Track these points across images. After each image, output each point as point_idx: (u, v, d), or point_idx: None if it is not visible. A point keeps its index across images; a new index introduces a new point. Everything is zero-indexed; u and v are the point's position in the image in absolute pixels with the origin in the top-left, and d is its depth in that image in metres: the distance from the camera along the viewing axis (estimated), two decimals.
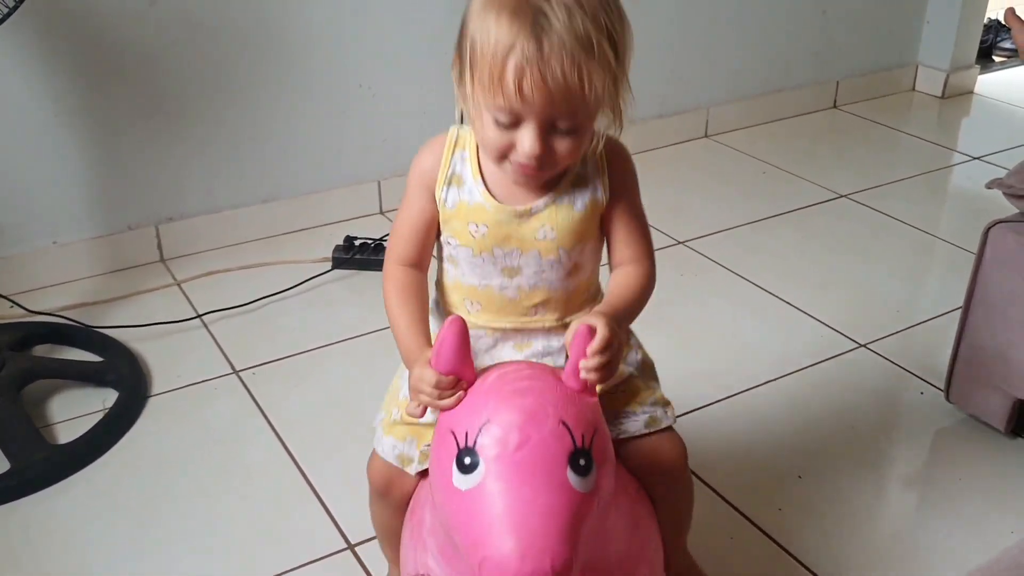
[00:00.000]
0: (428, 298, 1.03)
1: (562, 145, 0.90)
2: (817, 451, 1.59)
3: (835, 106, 3.11)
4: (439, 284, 1.07)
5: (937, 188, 2.63)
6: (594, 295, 1.05)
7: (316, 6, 2.15)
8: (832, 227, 2.35)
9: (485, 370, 0.90)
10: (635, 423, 1.05)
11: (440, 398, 0.88)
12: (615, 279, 1.02)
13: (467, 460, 0.82)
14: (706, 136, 2.86)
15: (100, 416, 1.63)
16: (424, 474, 1.05)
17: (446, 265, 1.04)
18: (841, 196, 2.50)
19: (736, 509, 1.46)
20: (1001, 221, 1.53)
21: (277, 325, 1.92)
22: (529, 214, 0.96)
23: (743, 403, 1.70)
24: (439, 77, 2.33)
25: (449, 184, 0.98)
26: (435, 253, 1.06)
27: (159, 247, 2.14)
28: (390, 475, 1.07)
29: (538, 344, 1.02)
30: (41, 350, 1.81)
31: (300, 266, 2.11)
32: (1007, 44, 3.50)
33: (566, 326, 1.00)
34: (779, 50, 2.93)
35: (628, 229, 1.01)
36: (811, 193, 2.51)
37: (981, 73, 3.28)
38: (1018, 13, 1.56)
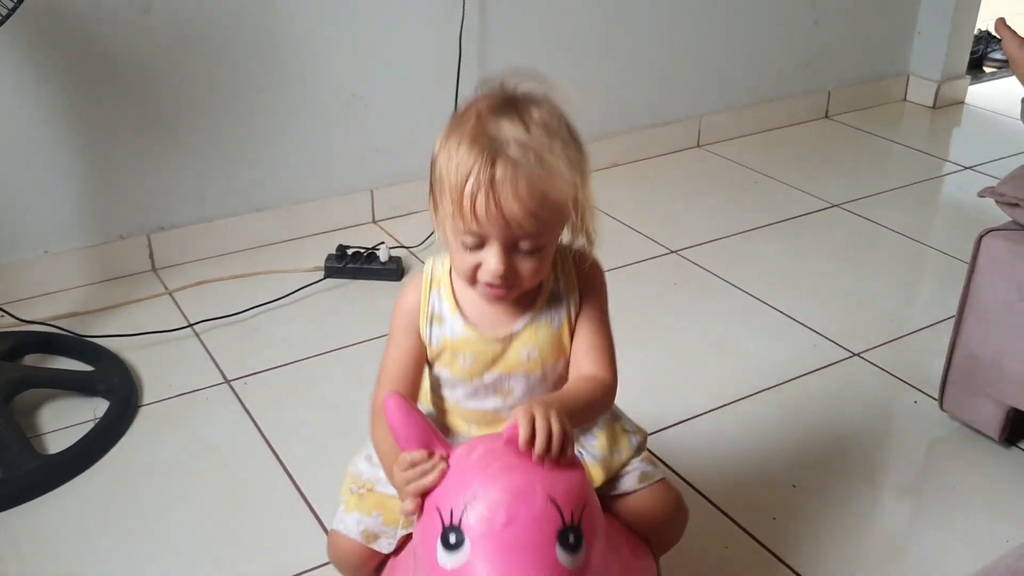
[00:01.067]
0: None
1: (526, 265, 0.93)
2: (811, 460, 1.59)
3: (827, 116, 3.12)
4: (437, 408, 1.07)
5: (929, 198, 2.64)
6: None
7: (309, 16, 2.15)
8: (825, 236, 2.35)
9: (472, 442, 0.88)
10: (629, 480, 1.06)
11: (423, 475, 0.84)
12: (572, 384, 1.00)
13: (452, 538, 0.80)
14: (698, 145, 2.86)
15: (91, 426, 1.62)
16: (390, 558, 1.04)
17: (444, 392, 1.05)
18: (833, 205, 2.50)
19: (730, 518, 1.46)
20: (993, 229, 1.53)
21: (269, 334, 1.91)
22: (511, 338, 0.99)
23: (736, 412, 1.70)
24: (431, 87, 2.34)
25: (431, 323, 1.01)
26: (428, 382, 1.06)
27: (151, 256, 2.14)
28: (355, 555, 1.05)
29: None
30: (32, 359, 1.80)
31: (292, 275, 2.11)
32: (997, 55, 3.52)
33: None
34: (771, 60, 2.94)
35: (591, 344, 1.01)
36: (803, 202, 2.52)
37: (972, 83, 3.30)
38: (1008, 23, 1.57)
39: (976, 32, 3.31)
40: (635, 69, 2.62)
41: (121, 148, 2.05)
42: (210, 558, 1.39)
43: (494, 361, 1.00)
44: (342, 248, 2.13)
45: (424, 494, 0.84)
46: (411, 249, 2.22)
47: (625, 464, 1.07)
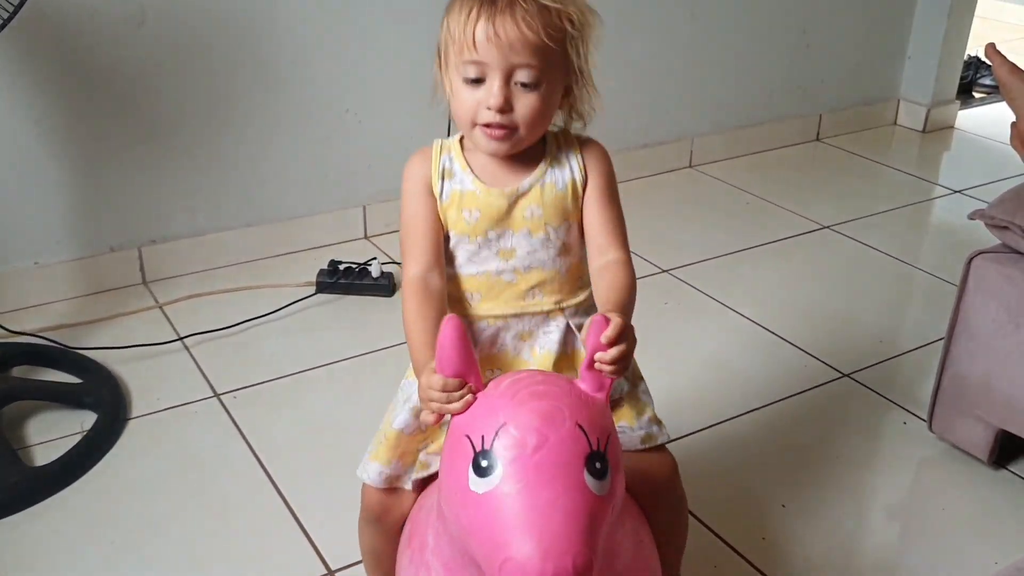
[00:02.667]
0: (445, 308, 1.03)
1: (524, 101, 0.97)
2: (801, 480, 1.59)
3: (818, 139, 3.14)
4: (447, 290, 1.07)
5: (919, 220, 2.66)
6: (586, 283, 1.07)
7: (304, 32, 2.16)
8: (815, 258, 2.36)
9: (498, 377, 0.90)
10: (631, 439, 1.07)
11: (449, 402, 0.87)
12: (603, 280, 1.03)
13: (484, 463, 0.81)
14: (690, 166, 2.88)
15: (78, 439, 1.61)
16: (418, 496, 1.06)
17: (447, 265, 1.06)
18: (824, 227, 2.52)
19: (720, 538, 1.45)
20: (983, 252, 1.54)
21: (259, 349, 1.91)
22: (516, 194, 1.02)
23: (726, 432, 1.70)
24: (425, 104, 2.34)
25: (442, 178, 1.04)
26: None
27: (141, 269, 2.13)
28: (384, 501, 1.09)
29: (539, 333, 1.05)
30: (20, 371, 1.79)
31: (283, 290, 2.10)
32: (987, 81, 3.55)
33: (563, 310, 1.05)
34: (763, 83, 2.96)
35: (605, 218, 1.04)
36: (794, 224, 2.53)
37: (962, 108, 3.33)
38: (998, 49, 1.58)
39: (966, 58, 3.34)
40: (628, 90, 2.63)
41: (113, 160, 2.05)
42: (198, 574, 1.38)
43: (499, 218, 1.02)
44: (334, 263, 2.13)
45: (439, 419, 0.88)
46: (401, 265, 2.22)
47: (628, 411, 1.08)
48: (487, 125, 0.97)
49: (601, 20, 1.01)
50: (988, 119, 3.34)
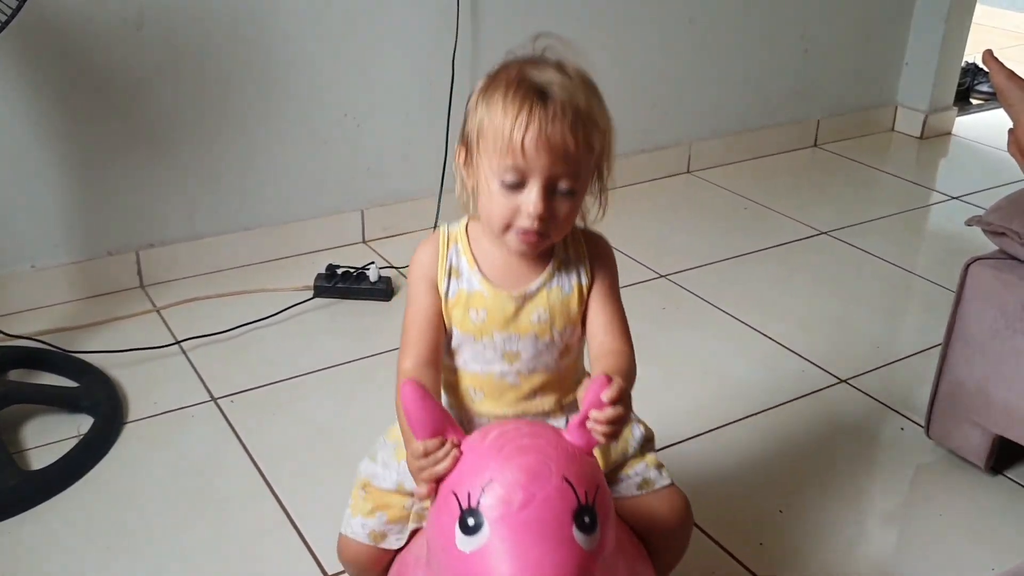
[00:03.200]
0: (439, 397, 1.03)
1: (562, 207, 0.96)
2: (798, 486, 1.59)
3: (816, 144, 3.14)
4: (445, 382, 1.07)
5: (916, 226, 2.66)
6: (580, 378, 1.07)
7: (302, 36, 2.16)
8: (813, 263, 2.36)
9: (484, 428, 0.89)
10: (627, 486, 1.07)
11: (436, 463, 0.85)
12: (603, 362, 1.01)
13: (471, 521, 0.80)
14: (688, 171, 2.88)
15: (74, 442, 1.60)
16: (399, 553, 1.06)
17: (453, 359, 1.06)
18: (822, 233, 2.52)
19: (717, 543, 1.45)
20: (980, 258, 1.54)
21: (257, 353, 1.91)
22: (524, 297, 1.02)
23: (724, 437, 1.70)
24: (424, 109, 2.35)
25: (449, 276, 1.02)
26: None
27: (139, 273, 2.13)
28: (364, 556, 1.08)
29: None
30: (16, 374, 1.79)
31: (281, 294, 2.10)
32: (984, 87, 3.56)
33: (563, 408, 1.05)
34: (761, 88, 2.96)
35: (609, 317, 1.04)
36: (792, 229, 2.53)
37: (959, 115, 3.33)
38: (996, 55, 1.58)
39: (963, 65, 3.35)
40: (626, 95, 2.63)
41: (111, 164, 2.04)
42: None
43: (506, 321, 1.01)
44: (332, 267, 2.12)
45: (438, 480, 0.85)
46: (401, 269, 2.22)
47: (627, 463, 1.08)
48: (522, 232, 0.96)
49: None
50: (986, 125, 3.35)
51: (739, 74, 2.89)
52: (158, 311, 2.04)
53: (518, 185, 0.94)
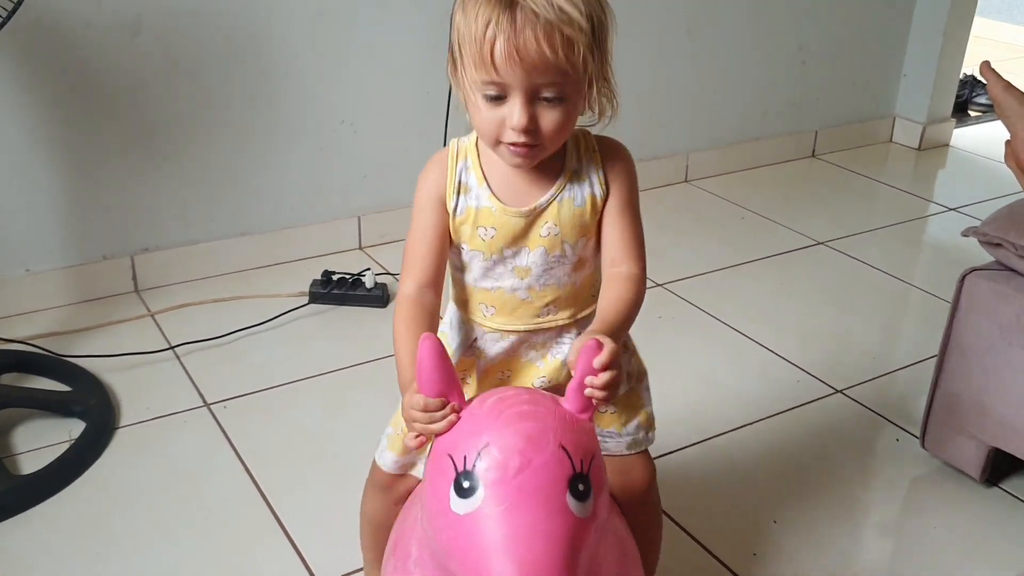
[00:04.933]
0: (436, 328, 1.02)
1: (548, 117, 0.92)
2: (793, 496, 1.58)
3: (813, 155, 3.14)
4: (456, 297, 1.07)
5: (913, 237, 2.66)
6: (598, 291, 1.06)
7: (300, 42, 2.16)
8: (809, 273, 2.36)
9: (483, 394, 0.89)
10: (617, 445, 1.08)
11: (431, 422, 0.86)
12: (608, 291, 1.00)
13: (466, 484, 0.80)
14: (686, 181, 2.88)
15: (66, 447, 1.60)
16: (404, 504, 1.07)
17: (463, 275, 1.04)
18: (819, 243, 2.52)
19: (711, 554, 1.45)
20: (976, 269, 1.54)
21: (251, 359, 1.90)
22: (533, 213, 0.99)
23: (719, 447, 1.69)
24: (421, 115, 2.35)
25: (457, 193, 1.01)
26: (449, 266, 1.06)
27: (134, 278, 2.12)
28: (389, 479, 1.10)
29: (552, 344, 1.04)
30: (8, 378, 1.78)
31: (276, 300, 2.09)
32: (982, 99, 3.56)
33: (577, 322, 1.04)
34: (759, 99, 2.96)
35: (621, 233, 1.02)
36: (789, 239, 2.53)
37: (957, 127, 3.34)
38: (993, 67, 1.58)
39: (961, 76, 3.35)
40: (624, 104, 2.61)
41: (107, 169, 2.04)
42: None
43: (515, 237, 1.00)
44: (327, 274, 2.12)
45: (428, 437, 0.87)
46: (397, 276, 2.21)
47: (623, 417, 1.09)
48: (512, 144, 0.94)
49: (614, 15, 0.95)
50: (983, 137, 3.35)
51: (737, 85, 2.89)
52: (152, 316, 2.04)
53: (499, 98, 0.92)
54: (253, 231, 2.24)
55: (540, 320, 1.03)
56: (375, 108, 2.30)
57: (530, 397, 0.87)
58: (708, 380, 1.89)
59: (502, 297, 1.02)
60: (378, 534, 1.14)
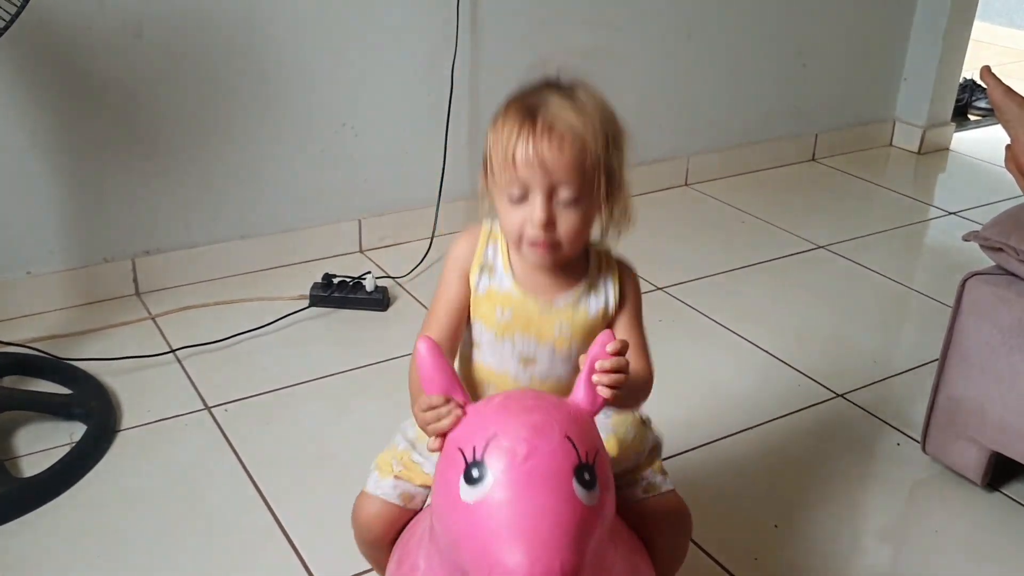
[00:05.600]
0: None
1: (566, 218, 0.99)
2: (793, 501, 1.58)
3: (814, 159, 3.14)
4: (465, 375, 1.10)
5: (913, 241, 2.66)
6: None
7: (301, 45, 2.16)
8: (810, 277, 2.36)
9: (490, 396, 0.93)
10: (633, 491, 1.10)
11: (440, 419, 0.89)
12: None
13: (475, 472, 0.83)
14: (686, 184, 2.88)
15: (67, 450, 1.60)
16: (409, 523, 1.08)
17: (472, 351, 1.09)
18: (819, 247, 2.52)
19: (712, 558, 1.45)
20: (977, 273, 1.54)
21: (252, 362, 1.90)
22: (550, 307, 1.05)
23: (719, 451, 1.69)
24: (422, 119, 2.35)
25: (482, 271, 1.06)
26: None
27: (135, 280, 2.12)
28: (385, 515, 1.09)
29: None
30: (9, 381, 1.78)
31: (277, 303, 2.10)
32: (982, 103, 3.57)
33: None
34: (759, 102, 2.97)
35: (632, 342, 1.06)
36: (789, 243, 2.53)
37: (957, 131, 3.34)
38: (993, 71, 1.59)
39: (961, 81, 3.36)
40: (624, 107, 2.61)
41: (108, 171, 2.04)
42: None
43: (529, 324, 1.05)
44: (328, 277, 2.12)
45: (443, 435, 0.89)
46: (397, 279, 2.21)
47: (637, 468, 1.11)
48: (532, 242, 1.00)
49: (629, 139, 1.04)
50: (983, 141, 3.35)
51: (737, 88, 2.89)
52: (153, 319, 2.04)
53: (522, 198, 0.99)
54: (254, 234, 2.24)
55: None
56: (376, 111, 2.30)
57: (536, 395, 0.91)
58: (708, 384, 1.89)
59: (505, 381, 1.07)
60: (377, 555, 1.15)
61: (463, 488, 0.83)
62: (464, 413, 0.89)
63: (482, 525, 0.81)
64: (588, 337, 1.05)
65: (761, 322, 2.12)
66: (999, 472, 1.60)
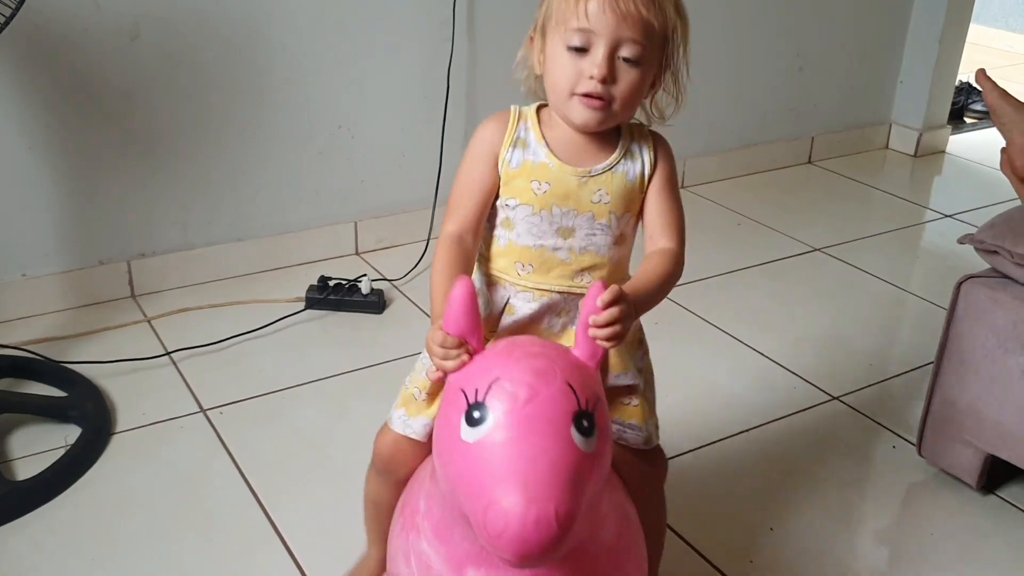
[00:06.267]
0: (473, 269, 1.06)
1: (624, 77, 0.99)
2: (789, 504, 1.58)
3: (810, 161, 3.15)
4: (485, 258, 1.09)
5: (909, 244, 2.66)
6: (627, 276, 1.11)
7: (298, 48, 2.16)
8: (806, 280, 2.36)
9: (496, 341, 0.94)
10: (636, 437, 1.10)
11: (445, 358, 0.90)
12: (645, 264, 1.06)
13: (476, 414, 0.85)
14: (683, 187, 2.88)
15: (62, 452, 1.59)
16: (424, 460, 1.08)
17: (499, 231, 1.07)
18: (815, 249, 2.52)
19: (708, 561, 1.45)
20: (972, 276, 1.54)
21: (247, 364, 1.90)
22: (588, 175, 1.04)
23: (714, 454, 1.69)
24: (418, 121, 2.35)
25: (515, 146, 1.05)
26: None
27: (130, 283, 2.12)
28: (397, 450, 1.10)
29: (579, 318, 1.04)
30: (4, 383, 1.77)
31: (273, 305, 2.09)
32: (978, 106, 3.57)
33: None
34: (756, 105, 2.97)
35: (664, 214, 1.07)
36: (786, 246, 2.53)
37: (953, 133, 3.35)
38: (989, 75, 1.59)
39: (957, 83, 3.36)
40: None
41: (104, 173, 2.04)
42: None
43: (568, 195, 1.03)
44: (324, 279, 2.12)
45: (445, 372, 0.91)
46: (394, 282, 2.21)
47: (635, 412, 1.10)
48: (587, 95, 0.98)
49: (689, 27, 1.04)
50: (979, 144, 3.36)
51: (734, 91, 2.90)
52: (149, 321, 2.03)
53: (583, 49, 0.97)
54: (250, 236, 2.24)
55: (573, 283, 1.06)
56: (372, 114, 2.30)
57: (540, 342, 0.93)
58: (704, 387, 1.89)
59: (543, 255, 1.05)
60: (381, 515, 1.16)
61: (464, 428, 0.85)
62: (471, 359, 0.90)
63: (481, 465, 0.83)
64: (627, 204, 1.05)
65: (757, 325, 2.12)
66: (995, 475, 1.60)
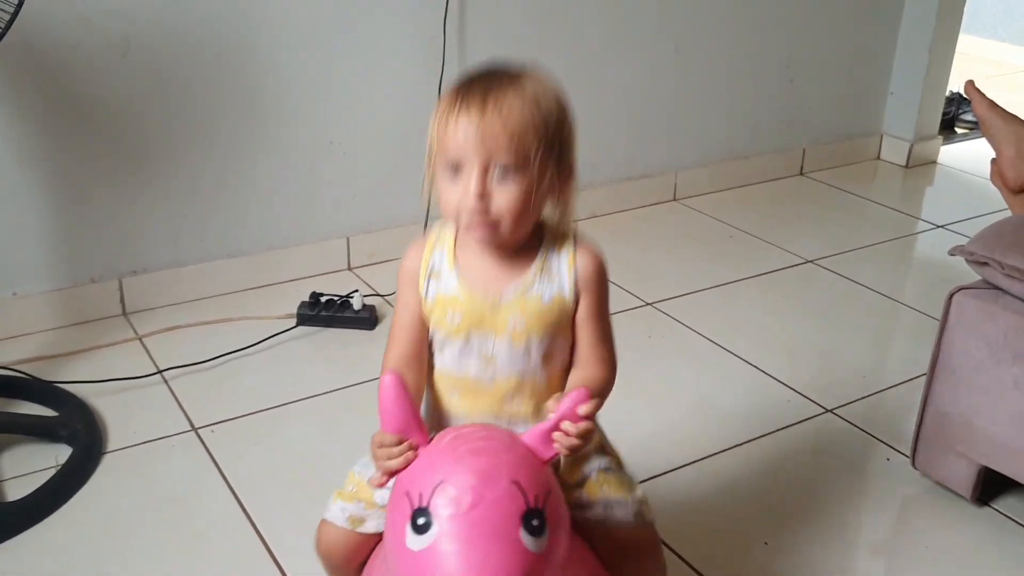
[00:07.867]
0: (420, 394, 1.05)
1: (502, 192, 0.96)
2: (783, 517, 1.58)
3: (802, 173, 3.15)
4: (428, 382, 1.08)
5: (902, 255, 2.67)
6: (563, 387, 1.06)
7: (288, 63, 2.16)
8: (798, 292, 2.36)
9: (442, 432, 0.90)
10: (626, 513, 1.06)
11: (388, 458, 0.89)
12: (574, 378, 1.04)
13: (420, 520, 0.82)
14: (674, 199, 2.88)
15: (52, 472, 1.58)
16: (375, 549, 1.05)
17: (435, 356, 1.07)
18: (807, 261, 2.52)
19: (701, 575, 1.44)
20: (964, 288, 1.54)
21: (239, 382, 1.89)
22: (498, 302, 1.02)
23: (708, 467, 1.69)
24: (410, 136, 2.35)
25: (429, 278, 1.04)
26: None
27: (121, 300, 2.11)
28: (341, 545, 1.07)
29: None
30: None
31: (264, 322, 2.09)
32: (969, 116, 3.58)
33: (541, 414, 1.02)
34: (747, 117, 2.98)
35: (590, 340, 1.05)
36: (778, 258, 2.53)
37: (944, 144, 3.35)
38: (977, 86, 1.60)
39: (948, 94, 3.37)
40: (613, 123, 2.64)
41: (95, 190, 2.03)
42: None
43: (481, 322, 1.02)
44: (315, 295, 2.11)
45: (390, 474, 0.89)
46: (385, 297, 2.21)
47: (596, 487, 1.07)
48: (469, 218, 0.97)
49: (574, 117, 1.02)
50: (970, 154, 3.37)
51: (725, 103, 2.90)
52: (140, 339, 2.02)
53: (458, 172, 0.97)
54: (241, 252, 2.23)
55: (502, 409, 1.04)
56: (364, 129, 2.30)
57: (487, 433, 0.89)
58: (697, 400, 1.89)
59: (467, 382, 1.04)
60: None
61: (409, 535, 0.82)
62: (415, 456, 0.88)
63: (428, 575, 0.80)
64: (548, 328, 1.02)
65: (750, 337, 2.12)
66: (989, 487, 1.60)
